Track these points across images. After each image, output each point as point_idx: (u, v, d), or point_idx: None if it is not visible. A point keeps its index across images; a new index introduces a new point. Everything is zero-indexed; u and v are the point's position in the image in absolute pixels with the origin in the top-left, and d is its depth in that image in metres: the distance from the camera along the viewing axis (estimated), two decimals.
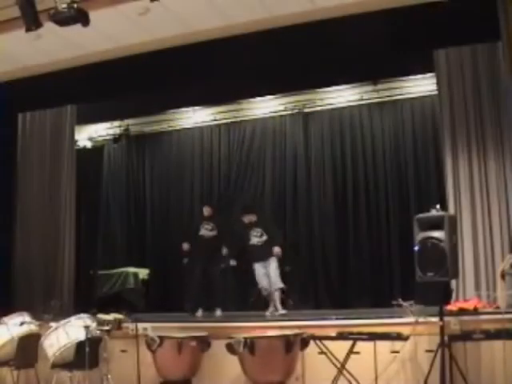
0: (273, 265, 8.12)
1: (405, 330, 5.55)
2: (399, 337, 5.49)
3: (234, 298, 9.51)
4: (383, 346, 5.62)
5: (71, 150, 9.39)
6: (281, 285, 8.12)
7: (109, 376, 6.09)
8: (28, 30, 6.08)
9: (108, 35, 7.27)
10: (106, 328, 6.04)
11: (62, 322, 6.33)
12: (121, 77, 8.11)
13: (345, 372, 5.54)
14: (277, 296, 8.11)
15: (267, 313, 8.03)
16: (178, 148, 10.90)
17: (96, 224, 10.92)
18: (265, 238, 8.23)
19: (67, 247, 9.01)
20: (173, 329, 6.61)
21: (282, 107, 10.05)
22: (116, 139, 11.14)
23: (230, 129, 10.52)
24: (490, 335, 5.24)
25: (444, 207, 6.56)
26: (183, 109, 10.52)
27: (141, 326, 6.38)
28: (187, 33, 7.27)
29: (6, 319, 6.71)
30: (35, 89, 8.41)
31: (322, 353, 5.69)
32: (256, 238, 8.26)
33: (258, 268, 8.21)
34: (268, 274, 8.13)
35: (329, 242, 9.51)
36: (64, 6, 5.87)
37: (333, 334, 5.66)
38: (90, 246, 10.68)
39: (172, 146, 10.96)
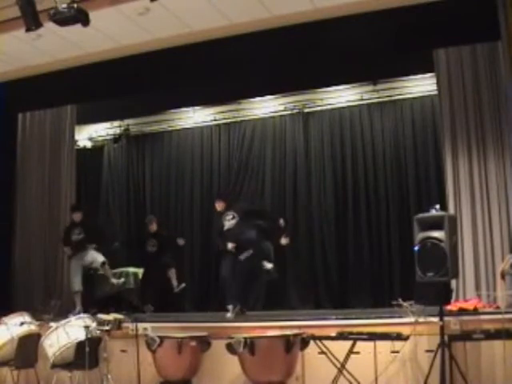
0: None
1: (405, 330, 5.55)
2: (399, 337, 5.48)
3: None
4: (383, 345, 5.62)
5: (71, 150, 9.41)
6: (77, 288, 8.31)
7: (109, 376, 6.08)
8: (28, 30, 6.08)
9: (108, 35, 7.27)
10: (106, 328, 6.03)
11: (62, 321, 6.34)
12: (121, 77, 8.10)
13: (345, 372, 5.54)
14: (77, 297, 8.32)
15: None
16: (177, 148, 10.88)
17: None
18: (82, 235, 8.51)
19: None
20: (173, 329, 6.61)
21: (282, 107, 10.04)
22: (116, 139, 11.12)
23: (230, 129, 10.51)
24: (490, 335, 5.24)
25: (444, 207, 6.57)
26: (183, 109, 10.51)
27: (141, 325, 6.37)
28: (187, 33, 7.27)
29: (5, 319, 6.70)
30: (35, 89, 8.41)
31: (322, 353, 5.69)
32: (75, 235, 8.51)
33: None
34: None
35: (329, 242, 9.51)
36: (64, 5, 5.87)
37: (333, 334, 5.65)
38: None
39: (172, 146, 10.94)
